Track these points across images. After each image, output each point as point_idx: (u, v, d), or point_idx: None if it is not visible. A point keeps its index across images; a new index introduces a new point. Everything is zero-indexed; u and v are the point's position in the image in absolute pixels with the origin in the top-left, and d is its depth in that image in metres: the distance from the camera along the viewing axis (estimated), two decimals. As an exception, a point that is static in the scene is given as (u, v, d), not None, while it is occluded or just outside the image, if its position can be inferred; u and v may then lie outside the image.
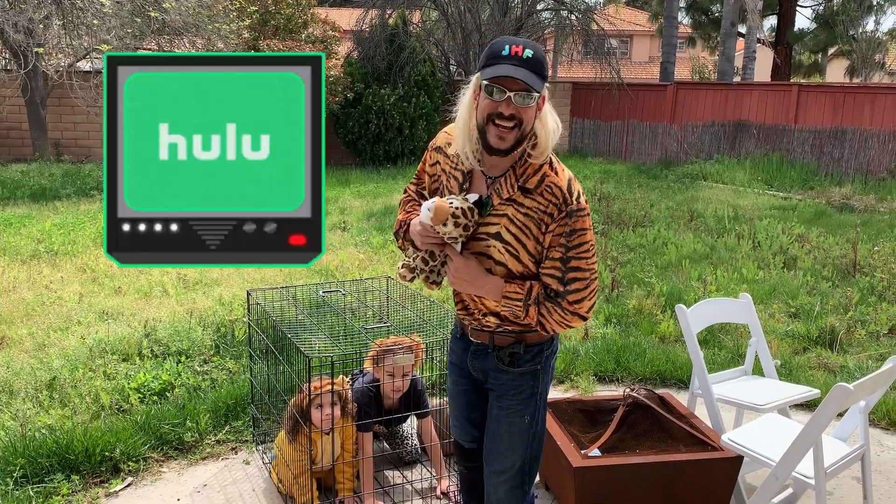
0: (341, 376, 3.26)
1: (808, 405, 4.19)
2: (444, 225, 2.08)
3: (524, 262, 2.13)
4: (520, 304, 2.11)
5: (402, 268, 2.25)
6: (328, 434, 3.14)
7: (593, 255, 2.12)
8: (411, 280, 2.25)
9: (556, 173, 2.11)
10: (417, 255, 2.24)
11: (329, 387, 3.07)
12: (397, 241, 2.36)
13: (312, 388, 3.06)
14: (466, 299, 2.30)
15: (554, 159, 2.14)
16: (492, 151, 2.07)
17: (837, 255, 7.65)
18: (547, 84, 2.07)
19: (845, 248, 7.96)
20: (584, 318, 2.14)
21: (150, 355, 4.68)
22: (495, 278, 2.14)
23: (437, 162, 2.29)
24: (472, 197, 2.13)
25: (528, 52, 2.00)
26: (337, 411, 3.13)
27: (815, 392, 3.59)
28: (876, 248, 7.96)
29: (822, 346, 5.33)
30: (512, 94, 1.99)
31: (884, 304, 6.12)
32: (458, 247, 2.15)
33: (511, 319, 2.20)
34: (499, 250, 2.12)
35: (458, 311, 2.38)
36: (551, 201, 2.08)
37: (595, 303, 2.16)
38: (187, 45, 13.89)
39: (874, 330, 5.55)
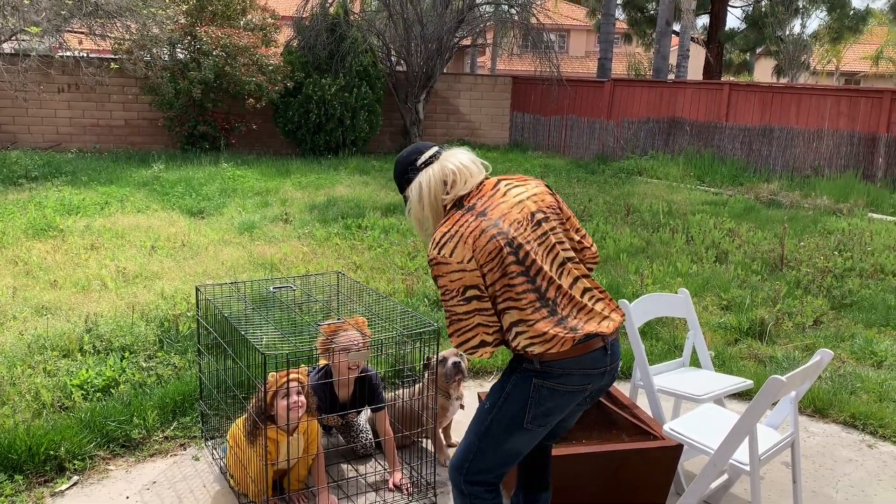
0: (302, 366, 3.28)
1: (742, 395, 4.40)
2: None
3: None
4: None
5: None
6: (293, 435, 3.14)
7: (450, 298, 2.37)
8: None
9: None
10: None
11: (291, 375, 3.09)
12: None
13: (276, 379, 3.06)
14: None
15: (449, 215, 2.42)
16: None
17: (766, 250, 8.00)
18: (408, 191, 2.48)
19: (773, 242, 8.33)
20: (464, 349, 2.42)
21: (92, 351, 4.59)
22: None
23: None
24: None
25: None
26: (303, 399, 3.14)
27: (749, 383, 3.78)
28: (801, 243, 8.35)
29: (753, 337, 5.59)
30: None
31: (809, 296, 6.44)
32: None
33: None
34: None
35: None
36: None
37: (468, 340, 2.39)
38: (120, 28, 13.50)
39: (800, 322, 5.85)
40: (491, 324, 2.37)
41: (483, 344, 2.38)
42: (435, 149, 2.49)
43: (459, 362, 3.61)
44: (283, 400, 3.08)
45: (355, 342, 3.32)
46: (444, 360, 3.60)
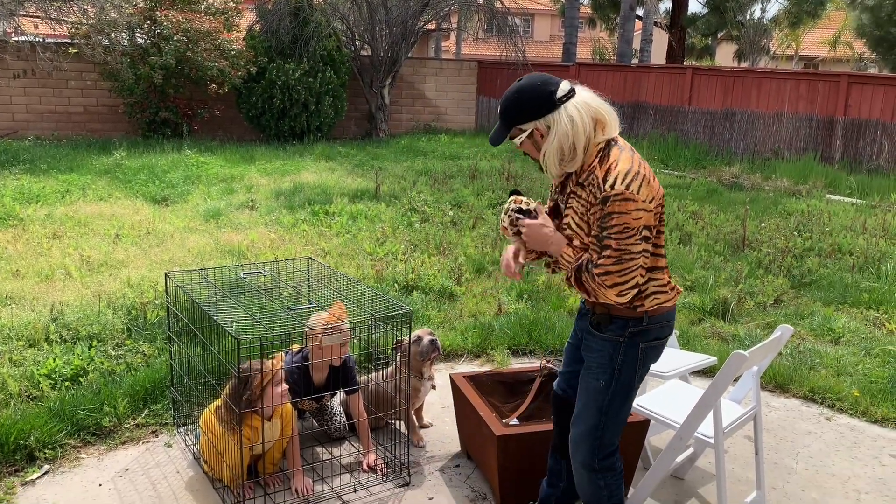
0: (280, 353, 3.30)
1: (706, 372, 4.52)
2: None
3: (587, 240, 2.50)
4: (569, 265, 2.51)
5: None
6: (269, 420, 3.16)
7: (628, 237, 2.35)
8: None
9: (602, 168, 2.40)
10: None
11: (279, 364, 3.12)
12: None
13: (271, 366, 3.09)
14: None
15: (613, 153, 2.40)
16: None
17: (728, 231, 8.16)
18: (543, 122, 2.42)
19: (735, 224, 8.49)
20: (614, 292, 2.39)
21: (59, 340, 4.54)
22: (560, 239, 2.53)
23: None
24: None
25: (499, 106, 2.50)
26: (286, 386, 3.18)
27: (713, 359, 3.89)
28: (762, 224, 8.53)
29: (716, 316, 5.71)
30: (513, 142, 2.54)
31: (769, 276, 6.60)
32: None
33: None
34: (572, 229, 2.53)
35: None
36: (591, 192, 2.42)
37: (627, 281, 2.38)
38: (77, 12, 13.20)
39: (762, 301, 5.99)
40: (647, 266, 2.43)
41: (636, 286, 2.42)
42: (567, 82, 2.45)
43: (436, 339, 3.65)
44: (276, 387, 3.11)
45: (343, 332, 3.35)
46: (419, 338, 3.63)
